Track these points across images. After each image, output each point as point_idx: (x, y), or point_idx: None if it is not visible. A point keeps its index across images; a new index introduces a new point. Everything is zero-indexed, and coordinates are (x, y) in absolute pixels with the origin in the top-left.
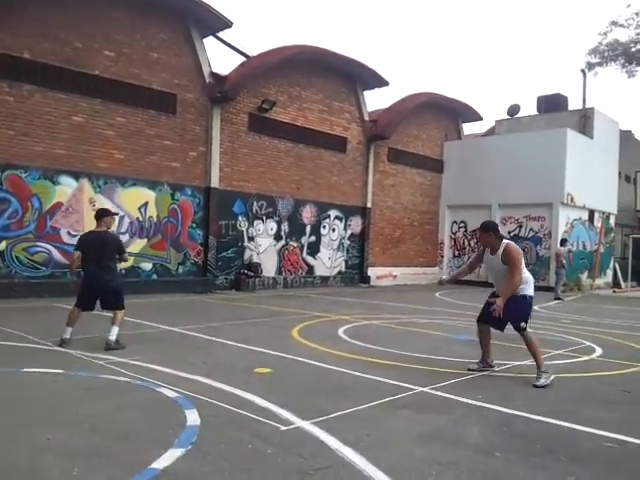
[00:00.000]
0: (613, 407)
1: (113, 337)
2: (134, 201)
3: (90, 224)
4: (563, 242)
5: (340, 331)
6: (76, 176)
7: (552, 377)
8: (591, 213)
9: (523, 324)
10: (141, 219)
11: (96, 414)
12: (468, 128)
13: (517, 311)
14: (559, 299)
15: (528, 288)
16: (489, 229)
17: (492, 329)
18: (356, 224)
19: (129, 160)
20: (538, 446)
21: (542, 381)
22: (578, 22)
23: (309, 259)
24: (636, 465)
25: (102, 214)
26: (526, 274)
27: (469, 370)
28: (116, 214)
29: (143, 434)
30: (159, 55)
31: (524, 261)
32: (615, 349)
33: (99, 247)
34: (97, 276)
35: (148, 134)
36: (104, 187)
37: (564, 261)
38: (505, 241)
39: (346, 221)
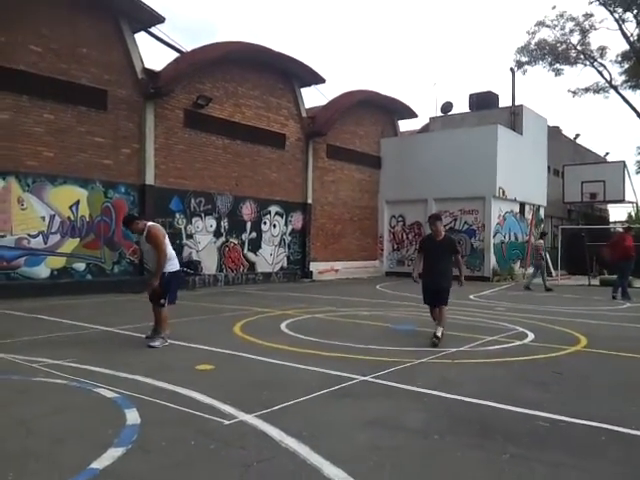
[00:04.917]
0: (546, 388)
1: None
2: (65, 200)
3: (19, 224)
4: (542, 235)
5: (283, 325)
6: (2, 175)
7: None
8: (522, 206)
9: (162, 300)
10: (73, 218)
11: (31, 417)
12: (404, 125)
13: (159, 288)
14: (550, 290)
15: (169, 266)
16: (130, 221)
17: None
18: (297, 220)
19: (59, 158)
20: (475, 428)
21: (157, 343)
22: (509, 22)
23: (250, 256)
24: (565, 441)
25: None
26: (170, 252)
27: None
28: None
29: (81, 435)
30: (88, 50)
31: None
32: (546, 334)
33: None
34: None
35: (79, 131)
36: (33, 186)
37: (543, 253)
38: (149, 223)
39: (287, 217)
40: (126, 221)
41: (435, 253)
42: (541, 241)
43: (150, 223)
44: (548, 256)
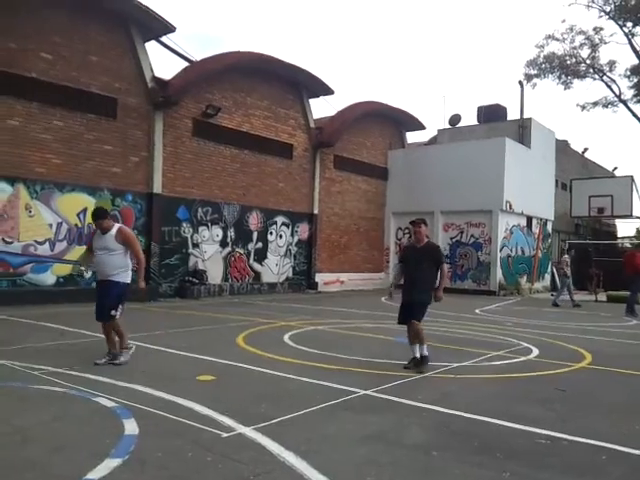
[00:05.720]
0: (548, 405)
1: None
2: (73, 207)
3: (26, 230)
4: (568, 250)
5: (286, 337)
6: (11, 181)
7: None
8: (529, 219)
9: (114, 312)
10: (80, 226)
11: (29, 426)
12: (411, 137)
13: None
14: (578, 305)
15: (127, 276)
16: (105, 215)
17: None
18: (303, 230)
19: (67, 165)
20: (475, 444)
21: (123, 358)
22: (518, 35)
23: (256, 266)
24: (565, 460)
25: None
26: (129, 261)
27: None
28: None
29: (79, 445)
30: (99, 58)
31: None
32: (551, 350)
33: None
34: None
35: (87, 138)
36: (41, 193)
37: (566, 269)
38: (117, 224)
39: (293, 227)
40: (101, 214)
41: (413, 262)
42: (566, 256)
43: (119, 224)
44: (555, 271)
